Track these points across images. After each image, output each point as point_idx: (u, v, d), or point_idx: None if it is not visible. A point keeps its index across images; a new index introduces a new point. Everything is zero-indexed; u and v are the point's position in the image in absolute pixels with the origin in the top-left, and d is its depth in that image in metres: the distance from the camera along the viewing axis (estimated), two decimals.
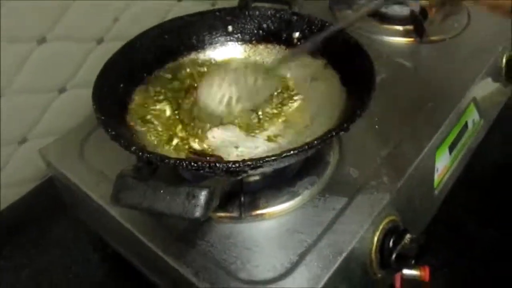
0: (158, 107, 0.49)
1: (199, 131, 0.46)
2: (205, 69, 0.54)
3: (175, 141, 0.46)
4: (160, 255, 0.43)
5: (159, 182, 0.34)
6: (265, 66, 0.53)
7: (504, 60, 0.71)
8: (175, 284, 0.46)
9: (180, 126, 0.47)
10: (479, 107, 0.66)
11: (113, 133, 0.39)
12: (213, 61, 0.55)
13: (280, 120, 0.49)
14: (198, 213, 0.32)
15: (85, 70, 0.70)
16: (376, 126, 0.56)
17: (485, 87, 0.69)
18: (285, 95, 0.52)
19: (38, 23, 0.61)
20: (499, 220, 0.45)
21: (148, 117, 0.48)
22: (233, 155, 0.45)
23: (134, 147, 0.37)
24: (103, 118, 0.41)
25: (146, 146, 0.43)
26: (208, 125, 0.47)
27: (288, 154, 0.35)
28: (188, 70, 0.53)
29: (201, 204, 0.32)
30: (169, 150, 0.45)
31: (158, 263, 0.44)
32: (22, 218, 0.70)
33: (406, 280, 0.58)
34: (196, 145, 0.46)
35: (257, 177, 0.48)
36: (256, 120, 0.48)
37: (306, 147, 0.36)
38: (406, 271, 0.58)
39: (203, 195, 0.32)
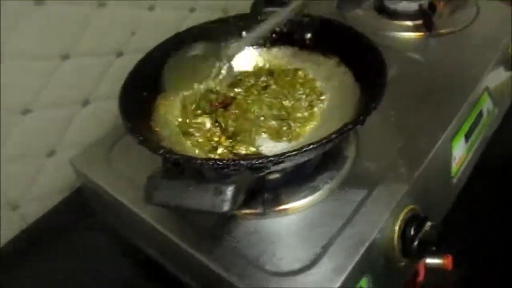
0: (199, 120, 0.51)
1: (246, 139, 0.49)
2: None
3: (219, 150, 0.49)
4: (190, 252, 0.45)
5: (188, 180, 0.36)
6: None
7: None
8: (205, 281, 0.48)
9: (223, 137, 0.50)
10: (493, 96, 0.67)
11: (141, 138, 0.41)
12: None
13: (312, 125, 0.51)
14: (226, 207, 0.34)
15: (106, 83, 0.73)
16: (392, 119, 0.57)
17: (497, 77, 0.70)
18: (313, 96, 0.54)
19: (61, 41, 0.64)
20: None
21: (190, 130, 0.51)
22: None
23: (161, 150, 0.39)
24: (130, 124, 0.43)
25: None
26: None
27: (307, 148, 0.37)
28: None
29: (228, 199, 0.34)
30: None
31: (188, 261, 0.47)
32: (53, 228, 0.73)
33: (429, 269, 0.60)
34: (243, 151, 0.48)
35: (278, 174, 0.49)
36: (286, 127, 0.50)
37: (325, 141, 0.38)
38: (429, 260, 0.59)
39: (230, 190, 0.35)
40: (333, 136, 0.39)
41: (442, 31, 0.72)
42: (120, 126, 0.62)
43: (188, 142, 0.50)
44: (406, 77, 0.64)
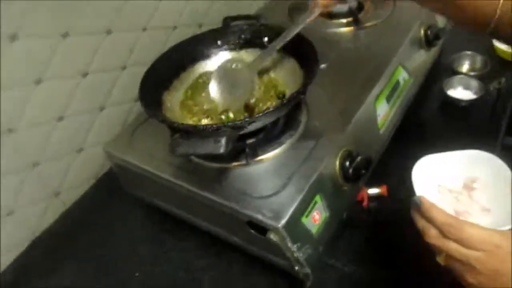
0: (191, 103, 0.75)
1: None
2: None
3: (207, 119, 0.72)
4: (201, 194, 0.67)
5: (196, 138, 0.58)
6: (247, 63, 0.77)
7: (422, 32, 0.95)
8: (216, 216, 0.70)
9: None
10: (407, 68, 0.90)
11: (161, 118, 0.63)
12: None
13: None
14: (222, 149, 0.56)
15: (117, 92, 0.94)
16: (330, 92, 0.80)
17: (411, 53, 0.94)
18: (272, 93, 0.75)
19: (80, 61, 0.85)
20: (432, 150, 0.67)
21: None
22: None
23: (176, 123, 0.61)
24: (151, 111, 0.65)
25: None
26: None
27: (268, 111, 0.60)
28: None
29: (223, 145, 0.56)
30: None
31: (201, 202, 0.68)
32: (87, 208, 0.93)
33: (372, 197, 0.83)
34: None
35: (255, 138, 0.71)
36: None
37: (279, 106, 0.61)
38: (370, 190, 0.82)
39: (223, 140, 0.56)
40: (284, 102, 0.61)
41: (367, 24, 0.96)
42: (136, 119, 0.84)
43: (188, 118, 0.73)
44: (340, 61, 0.87)
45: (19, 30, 0.72)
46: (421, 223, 0.54)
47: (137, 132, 0.80)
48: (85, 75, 0.87)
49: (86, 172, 0.95)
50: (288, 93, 0.74)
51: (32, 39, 0.74)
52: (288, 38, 0.71)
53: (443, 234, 0.51)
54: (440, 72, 1.05)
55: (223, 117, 0.71)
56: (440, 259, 0.53)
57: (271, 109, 0.60)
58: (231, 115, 0.71)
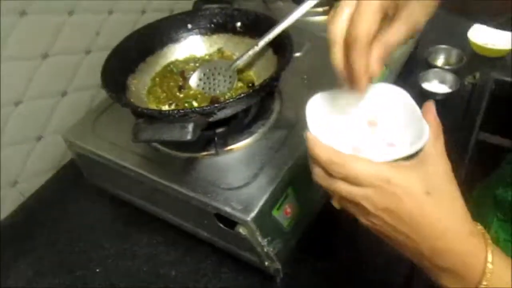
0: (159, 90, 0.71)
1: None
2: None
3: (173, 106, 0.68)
4: (167, 185, 0.63)
5: (162, 123, 0.54)
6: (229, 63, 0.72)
7: None
8: (183, 208, 0.66)
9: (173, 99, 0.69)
10: None
11: (124, 102, 0.59)
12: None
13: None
14: (189, 136, 0.52)
15: (80, 76, 0.89)
16: (305, 82, 0.77)
17: None
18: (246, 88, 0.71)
19: (41, 42, 0.80)
20: None
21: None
22: None
23: (140, 108, 0.57)
24: (114, 94, 0.60)
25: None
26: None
27: (240, 97, 0.56)
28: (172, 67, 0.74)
29: (190, 131, 0.52)
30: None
31: (166, 193, 0.64)
32: (47, 199, 0.88)
33: None
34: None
35: (224, 127, 0.68)
36: None
37: (251, 91, 0.57)
38: None
39: (191, 126, 0.53)
40: (257, 87, 0.58)
41: None
42: (99, 105, 0.79)
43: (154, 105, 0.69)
44: (315, 51, 0.84)
45: None
46: (309, 163, 0.47)
47: (100, 119, 0.75)
48: (45, 56, 0.81)
49: (46, 161, 0.89)
50: (257, 81, 0.71)
51: None
52: (275, 34, 0.67)
53: (328, 173, 0.44)
54: (415, 65, 1.03)
55: (186, 104, 0.67)
56: (334, 203, 0.47)
57: (242, 95, 0.57)
58: (194, 103, 0.67)
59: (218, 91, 0.69)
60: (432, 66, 1.01)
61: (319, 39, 0.88)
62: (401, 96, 0.51)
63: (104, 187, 0.80)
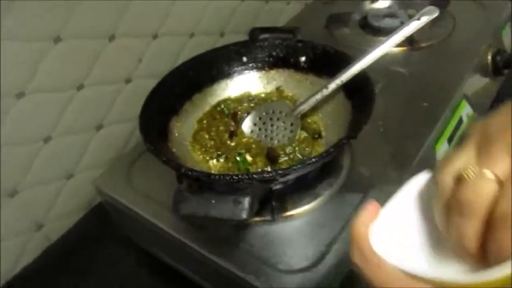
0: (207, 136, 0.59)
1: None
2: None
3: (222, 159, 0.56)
4: (210, 258, 0.51)
5: (209, 193, 0.42)
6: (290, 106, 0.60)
7: (489, 57, 0.79)
8: (223, 283, 0.54)
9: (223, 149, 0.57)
10: (471, 102, 0.73)
11: (164, 158, 0.47)
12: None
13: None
14: (244, 215, 0.40)
15: (118, 107, 0.79)
16: (381, 129, 0.64)
17: (475, 83, 0.77)
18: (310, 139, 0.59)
19: (75, 71, 0.70)
20: None
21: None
22: None
23: (184, 168, 0.45)
24: (152, 146, 0.49)
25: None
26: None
27: (310, 162, 0.44)
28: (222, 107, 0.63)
29: (246, 208, 0.41)
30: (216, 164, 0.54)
31: (208, 265, 0.52)
32: (74, 246, 0.78)
33: None
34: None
35: (283, 185, 0.55)
36: None
37: (324, 154, 0.44)
38: None
39: (246, 201, 0.41)
40: (331, 150, 0.45)
41: (423, 44, 0.79)
42: (135, 147, 0.69)
43: (200, 155, 0.57)
44: (391, 90, 0.71)
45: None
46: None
47: (137, 165, 0.65)
48: (80, 88, 0.72)
49: (75, 202, 0.79)
50: (324, 130, 0.58)
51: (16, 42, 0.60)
52: (351, 74, 0.55)
53: None
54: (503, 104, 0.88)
55: (237, 157, 0.55)
56: None
57: (313, 159, 0.44)
58: (248, 157, 0.55)
59: (276, 141, 0.57)
60: None
61: (394, 75, 0.74)
62: None
63: (136, 240, 0.69)
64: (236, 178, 0.43)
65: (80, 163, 0.77)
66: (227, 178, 0.43)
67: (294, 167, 0.43)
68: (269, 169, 0.49)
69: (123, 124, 0.82)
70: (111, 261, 0.74)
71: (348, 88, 0.57)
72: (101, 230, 0.78)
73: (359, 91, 0.54)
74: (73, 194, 0.78)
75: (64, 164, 0.75)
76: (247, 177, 0.43)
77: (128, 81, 0.79)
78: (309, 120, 0.59)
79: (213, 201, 0.41)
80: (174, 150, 0.55)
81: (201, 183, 0.45)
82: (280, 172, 0.43)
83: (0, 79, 0.60)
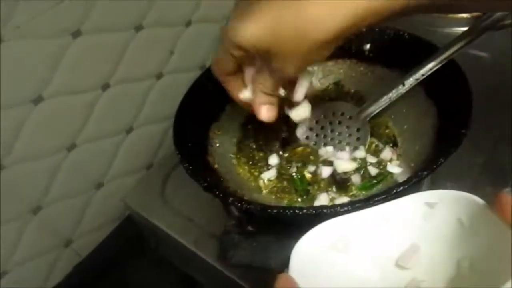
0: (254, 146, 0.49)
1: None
2: None
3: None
4: None
5: (265, 237, 0.32)
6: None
7: None
8: None
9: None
10: None
11: (205, 184, 0.38)
12: None
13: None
14: None
15: (149, 107, 0.70)
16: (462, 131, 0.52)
17: None
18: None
19: (99, 68, 0.61)
20: None
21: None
22: None
23: (231, 198, 0.35)
24: (190, 168, 0.40)
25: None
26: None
27: (398, 190, 0.33)
28: None
29: None
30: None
31: None
32: (105, 261, 0.71)
33: None
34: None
35: None
36: None
37: (415, 180, 0.34)
38: None
39: None
40: (424, 173, 0.34)
41: (506, 21, 0.66)
42: (169, 156, 0.60)
43: (247, 172, 0.47)
44: (471, 77, 0.58)
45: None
46: None
47: (173, 176, 0.56)
48: (105, 87, 0.63)
49: (106, 213, 0.72)
50: (399, 137, 0.47)
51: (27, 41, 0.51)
52: (434, 66, 0.43)
53: None
54: None
55: (294, 174, 0.45)
56: None
57: (400, 188, 0.33)
58: (306, 174, 0.45)
59: (339, 151, 0.46)
60: None
61: (471, 59, 0.61)
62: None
63: (171, 260, 0.60)
64: (301, 212, 0.33)
65: (110, 171, 0.69)
66: (289, 212, 0.33)
67: (377, 198, 0.33)
68: (345, 200, 0.39)
69: (155, 125, 0.73)
70: (142, 280, 0.67)
71: (431, 84, 0.45)
72: (133, 245, 0.70)
73: (447, 89, 0.43)
74: (102, 205, 0.70)
75: (90, 173, 0.67)
76: (314, 211, 0.33)
77: (159, 76, 0.70)
78: (380, 123, 0.48)
79: (271, 248, 0.31)
80: (216, 166, 0.45)
81: (255, 218, 0.35)
82: (358, 205, 0.33)
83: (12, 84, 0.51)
